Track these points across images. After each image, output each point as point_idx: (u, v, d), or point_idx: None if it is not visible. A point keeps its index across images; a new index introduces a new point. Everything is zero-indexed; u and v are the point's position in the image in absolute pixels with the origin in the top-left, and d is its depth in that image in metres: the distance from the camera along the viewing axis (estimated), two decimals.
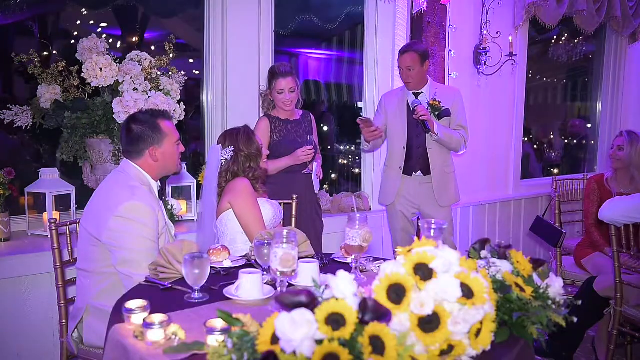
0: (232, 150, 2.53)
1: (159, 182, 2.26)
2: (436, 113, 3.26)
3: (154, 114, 2.22)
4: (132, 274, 1.97)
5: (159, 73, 2.87)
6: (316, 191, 3.21)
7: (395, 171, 3.45)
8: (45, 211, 2.80)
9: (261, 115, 3.23)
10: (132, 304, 1.50)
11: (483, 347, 1.24)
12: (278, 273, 1.60)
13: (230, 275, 1.96)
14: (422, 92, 3.37)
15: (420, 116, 3.17)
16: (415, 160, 3.41)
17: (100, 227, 2.04)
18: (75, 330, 2.19)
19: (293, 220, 2.90)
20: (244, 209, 2.45)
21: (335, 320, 1.08)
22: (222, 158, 2.53)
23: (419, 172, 3.42)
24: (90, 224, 2.10)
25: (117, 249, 2.01)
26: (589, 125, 6.00)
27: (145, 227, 2.03)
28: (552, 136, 6.09)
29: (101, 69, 2.69)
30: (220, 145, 2.56)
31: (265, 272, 1.85)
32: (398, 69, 3.41)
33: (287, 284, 1.68)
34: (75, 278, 2.25)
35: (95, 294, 2.10)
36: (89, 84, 2.73)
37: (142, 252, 2.00)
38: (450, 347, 1.19)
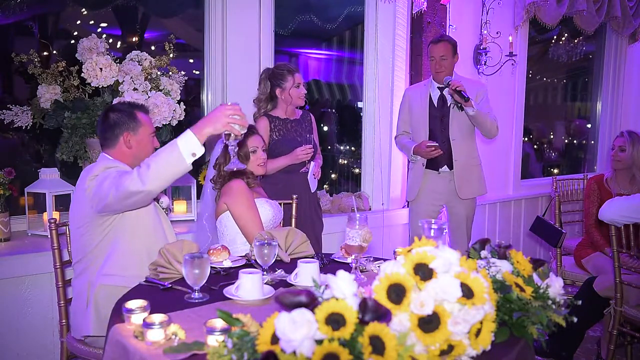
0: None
1: None
2: (462, 98, 3.14)
3: (132, 104, 2.26)
4: (122, 179, 1.89)
5: (159, 73, 2.87)
6: (312, 191, 3.19)
7: (418, 166, 3.43)
8: (45, 211, 2.80)
9: (259, 115, 3.19)
10: (132, 304, 1.51)
11: (483, 347, 1.24)
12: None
13: (230, 275, 1.96)
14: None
15: (456, 87, 3.09)
16: (440, 156, 3.35)
17: (81, 202, 2.05)
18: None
19: (293, 220, 2.89)
20: (240, 210, 2.44)
21: (335, 320, 1.08)
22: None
23: (445, 167, 3.39)
24: (73, 214, 2.13)
25: (100, 187, 1.96)
26: (589, 125, 6.00)
27: (124, 169, 2.05)
28: (552, 136, 6.08)
29: (101, 69, 2.69)
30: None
31: (265, 272, 1.85)
32: (430, 59, 3.36)
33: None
34: None
35: (104, 267, 2.08)
36: (89, 84, 2.73)
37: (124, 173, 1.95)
38: (450, 347, 1.19)
